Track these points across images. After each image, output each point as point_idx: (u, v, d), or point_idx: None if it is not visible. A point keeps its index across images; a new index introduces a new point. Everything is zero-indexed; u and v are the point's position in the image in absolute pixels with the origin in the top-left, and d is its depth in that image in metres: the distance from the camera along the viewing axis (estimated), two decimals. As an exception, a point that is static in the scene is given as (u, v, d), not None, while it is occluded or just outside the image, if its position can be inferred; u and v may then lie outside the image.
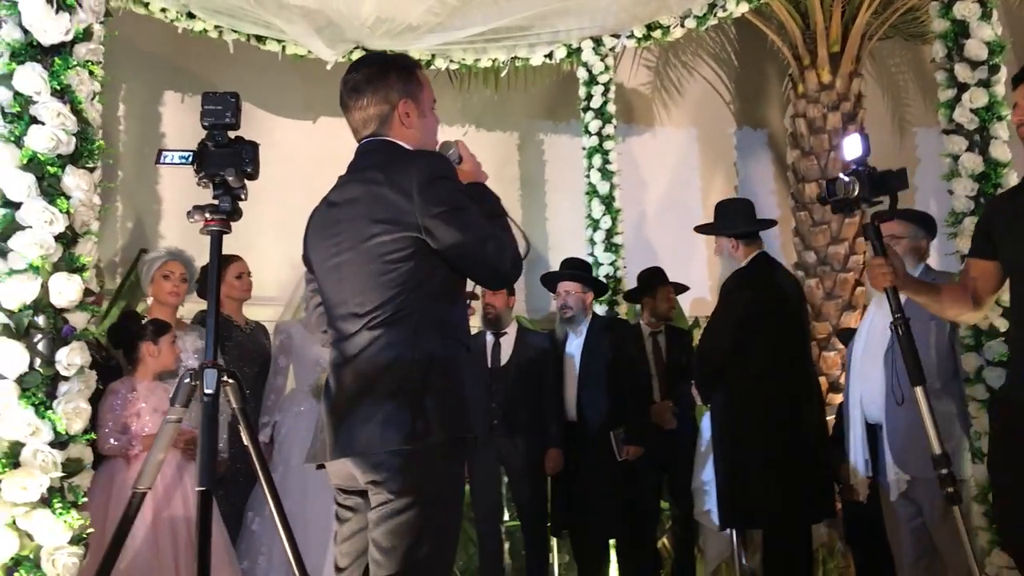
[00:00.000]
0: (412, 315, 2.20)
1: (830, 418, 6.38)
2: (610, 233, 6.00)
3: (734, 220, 4.30)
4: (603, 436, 4.72)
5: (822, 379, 6.84)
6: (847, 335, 5.76)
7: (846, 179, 2.95)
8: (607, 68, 6.18)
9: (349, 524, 2.32)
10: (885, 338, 3.70)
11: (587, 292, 5.03)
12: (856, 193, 2.93)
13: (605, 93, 6.16)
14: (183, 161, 2.61)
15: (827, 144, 7.06)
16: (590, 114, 6.17)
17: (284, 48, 5.81)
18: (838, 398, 6.64)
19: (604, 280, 5.74)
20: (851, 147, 2.98)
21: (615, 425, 4.73)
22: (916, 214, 3.94)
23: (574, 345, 4.95)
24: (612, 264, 5.94)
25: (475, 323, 4.91)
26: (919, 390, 2.86)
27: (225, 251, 4.44)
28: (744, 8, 5.76)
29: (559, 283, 5.04)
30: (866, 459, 3.84)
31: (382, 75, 2.37)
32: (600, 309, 5.68)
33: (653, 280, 5.41)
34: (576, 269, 5.18)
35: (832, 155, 7.05)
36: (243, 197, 2.61)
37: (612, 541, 5.06)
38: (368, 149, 2.38)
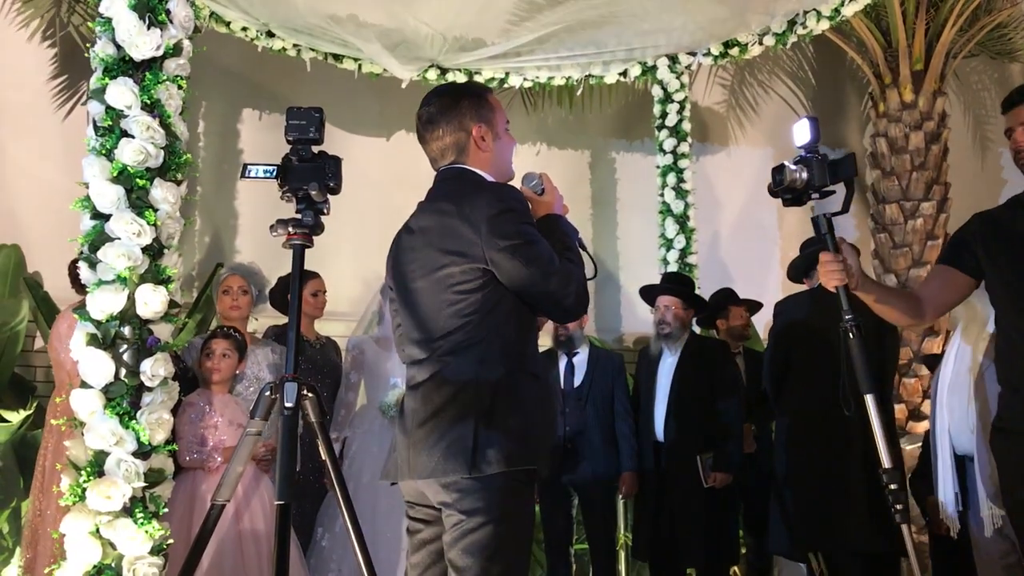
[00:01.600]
0: (479, 344, 2.23)
1: (911, 447, 6.24)
2: (684, 253, 5.91)
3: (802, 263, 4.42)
4: (690, 460, 4.50)
5: (901, 407, 6.65)
6: (932, 361, 5.59)
7: (793, 167, 2.74)
8: (682, 86, 6.11)
9: (420, 535, 2.35)
10: (975, 364, 3.56)
11: (687, 309, 4.78)
12: (804, 181, 2.74)
13: (680, 111, 6.09)
14: (267, 175, 2.63)
15: (909, 165, 6.87)
16: (664, 132, 6.10)
17: (360, 66, 5.88)
18: (918, 427, 6.45)
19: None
20: (800, 132, 2.78)
21: (703, 449, 4.51)
22: None
23: (667, 363, 4.71)
24: (686, 285, 5.83)
25: (546, 342, 4.87)
26: (869, 398, 2.70)
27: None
28: (825, 26, 5.66)
29: (658, 297, 4.81)
30: (956, 492, 3.68)
31: (454, 104, 2.41)
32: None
33: (725, 300, 5.33)
34: (677, 284, 4.95)
35: (914, 175, 6.86)
36: (325, 211, 2.64)
37: (690, 571, 4.90)
38: (445, 178, 2.41)
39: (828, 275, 2.72)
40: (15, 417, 5.06)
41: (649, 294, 4.94)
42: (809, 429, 4.05)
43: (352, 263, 5.99)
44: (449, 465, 2.15)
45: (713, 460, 4.49)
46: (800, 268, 4.50)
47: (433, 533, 2.31)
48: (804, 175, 2.73)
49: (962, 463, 3.66)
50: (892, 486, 2.62)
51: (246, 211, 6.48)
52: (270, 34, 5.53)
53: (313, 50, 5.73)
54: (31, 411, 5.07)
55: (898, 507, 2.62)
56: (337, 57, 5.84)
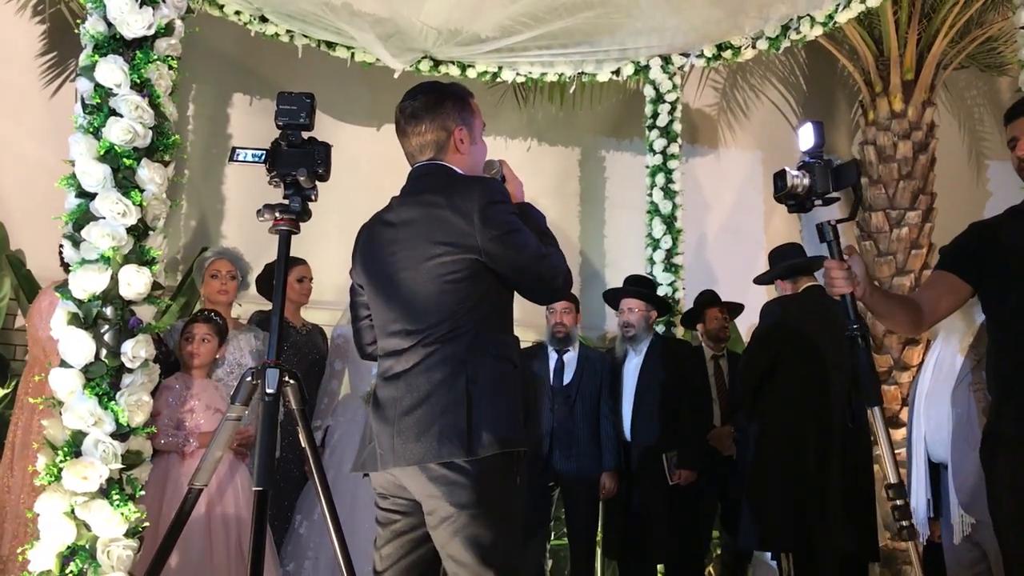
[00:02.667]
0: (467, 333, 2.28)
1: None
2: (670, 253, 5.91)
3: (780, 264, 4.50)
4: (657, 458, 4.60)
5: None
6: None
7: (795, 172, 2.67)
8: (674, 87, 6.12)
9: (394, 526, 2.36)
10: (953, 374, 3.59)
11: (650, 311, 4.92)
12: (807, 187, 2.66)
13: (671, 112, 6.09)
14: (256, 160, 2.63)
15: (896, 174, 6.91)
16: (655, 132, 6.10)
17: (353, 55, 5.85)
18: (896, 433, 6.49)
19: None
20: (804, 137, 2.71)
21: (669, 447, 4.61)
22: None
23: (632, 364, 4.84)
24: (671, 285, 5.84)
25: (529, 338, 4.87)
26: (876, 411, 2.64)
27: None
28: (818, 32, 5.66)
29: (622, 300, 4.94)
30: (928, 499, 3.71)
31: (439, 103, 2.46)
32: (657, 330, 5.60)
33: (703, 303, 5.37)
34: (640, 286, 5.08)
35: (901, 184, 6.90)
36: (313, 198, 2.64)
37: (660, 566, 4.95)
38: (423, 173, 2.46)
39: (834, 283, 2.66)
40: (-6, 394, 5.03)
41: (613, 298, 5.03)
42: (792, 430, 4.08)
43: (338, 251, 5.91)
44: (444, 449, 2.18)
45: (678, 458, 4.56)
46: (770, 278, 4.58)
47: (408, 524, 2.34)
48: (806, 181, 2.66)
49: (937, 470, 3.70)
50: (899, 502, 2.57)
51: (233, 196, 6.45)
52: (263, 19, 5.50)
53: (306, 37, 5.70)
54: (10, 388, 5.03)
55: (904, 524, 2.57)
56: (330, 45, 5.81)
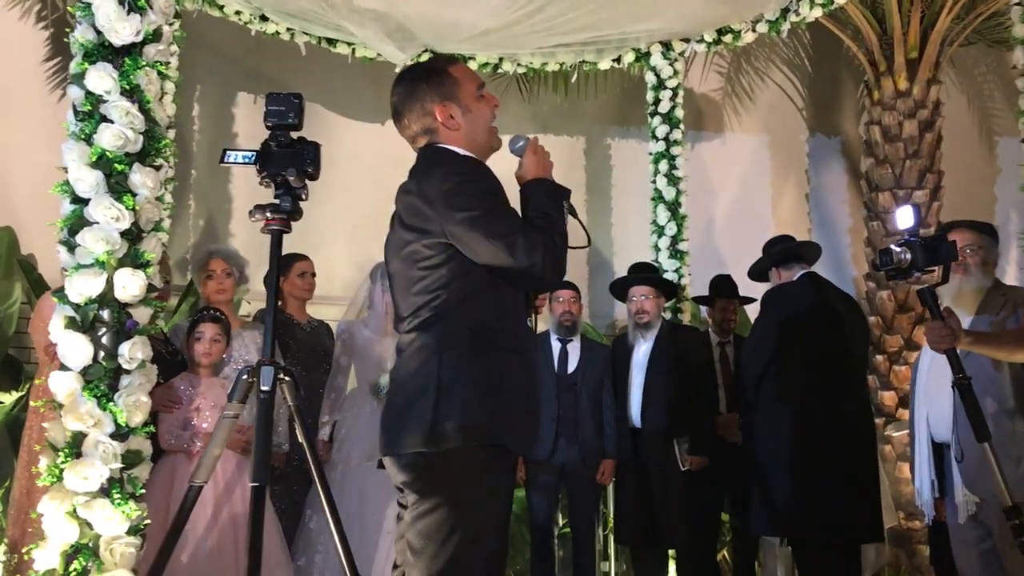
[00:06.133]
0: (444, 318, 2.21)
1: (900, 434, 6.28)
2: (675, 240, 5.91)
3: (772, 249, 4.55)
4: (667, 444, 4.64)
5: (891, 394, 6.69)
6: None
7: (898, 249, 3.08)
8: (676, 73, 6.10)
9: (402, 523, 2.34)
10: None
11: (659, 296, 4.95)
12: (909, 262, 3.06)
13: (673, 98, 6.08)
14: (246, 161, 2.67)
15: (902, 153, 6.87)
16: (657, 119, 6.08)
17: (354, 51, 5.88)
18: (903, 414, 6.48)
19: (667, 287, 5.66)
20: (904, 217, 3.12)
21: (679, 434, 4.64)
22: (984, 225, 3.80)
23: (642, 351, 4.86)
24: (676, 271, 5.85)
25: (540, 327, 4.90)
26: (986, 446, 2.95)
27: (293, 250, 4.50)
28: (817, 13, 5.63)
29: (631, 288, 4.95)
30: (932, 480, 3.72)
31: (412, 91, 2.40)
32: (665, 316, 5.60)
33: (716, 289, 5.37)
34: (646, 273, 5.11)
35: (908, 163, 6.86)
36: (304, 197, 2.66)
37: (671, 552, 4.98)
38: (418, 158, 2.42)
39: (938, 341, 3.06)
40: (8, 398, 5.11)
41: (620, 288, 5.05)
42: (797, 416, 4.10)
43: (346, 246, 6.02)
44: (406, 439, 2.16)
45: (689, 445, 4.59)
46: (764, 268, 4.58)
47: None
48: (908, 256, 3.06)
49: (940, 451, 3.69)
50: (1016, 521, 2.96)
51: (240, 195, 6.51)
52: (263, 18, 5.53)
53: (306, 34, 5.72)
54: (23, 392, 5.11)
55: (1022, 540, 2.91)
56: (331, 41, 5.84)
